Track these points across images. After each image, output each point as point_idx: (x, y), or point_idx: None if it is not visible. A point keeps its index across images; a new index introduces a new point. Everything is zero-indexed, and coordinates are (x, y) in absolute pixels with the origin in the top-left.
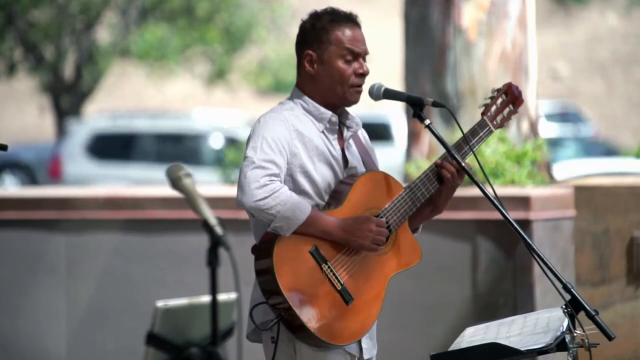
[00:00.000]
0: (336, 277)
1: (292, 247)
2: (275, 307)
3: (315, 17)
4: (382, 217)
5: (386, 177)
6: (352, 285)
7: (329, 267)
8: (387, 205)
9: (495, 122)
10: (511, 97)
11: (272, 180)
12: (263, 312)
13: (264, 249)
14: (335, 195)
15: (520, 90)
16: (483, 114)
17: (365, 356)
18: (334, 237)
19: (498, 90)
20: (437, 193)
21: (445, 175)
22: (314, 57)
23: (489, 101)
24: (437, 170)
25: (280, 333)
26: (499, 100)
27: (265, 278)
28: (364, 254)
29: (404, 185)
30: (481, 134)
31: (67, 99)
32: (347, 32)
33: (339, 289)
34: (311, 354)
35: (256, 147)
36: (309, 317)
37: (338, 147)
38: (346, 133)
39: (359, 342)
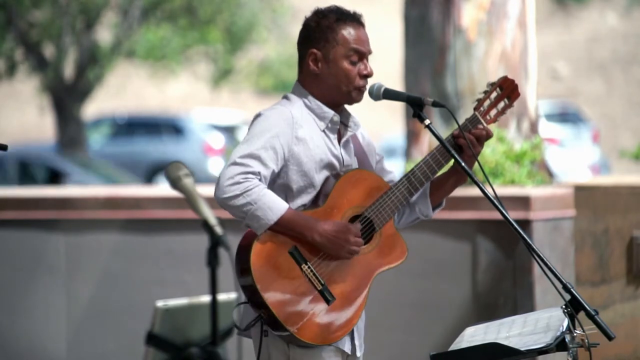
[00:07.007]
0: (316, 277)
1: (272, 247)
2: (255, 308)
3: (320, 15)
4: (365, 216)
5: (371, 176)
6: (333, 284)
7: (309, 267)
8: (371, 204)
9: (488, 117)
10: (507, 90)
11: (246, 178)
12: (245, 310)
13: (243, 247)
14: (323, 191)
15: (517, 84)
16: (475, 108)
17: (358, 353)
18: (310, 241)
19: (493, 84)
20: (458, 164)
21: (463, 144)
22: (319, 55)
23: (482, 95)
24: (453, 142)
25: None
26: (493, 95)
27: (244, 278)
28: None
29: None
30: (472, 128)
31: (67, 99)
32: (353, 32)
33: (319, 289)
34: (302, 351)
35: (248, 140)
36: (289, 318)
37: (338, 146)
38: (345, 133)
39: (352, 339)
